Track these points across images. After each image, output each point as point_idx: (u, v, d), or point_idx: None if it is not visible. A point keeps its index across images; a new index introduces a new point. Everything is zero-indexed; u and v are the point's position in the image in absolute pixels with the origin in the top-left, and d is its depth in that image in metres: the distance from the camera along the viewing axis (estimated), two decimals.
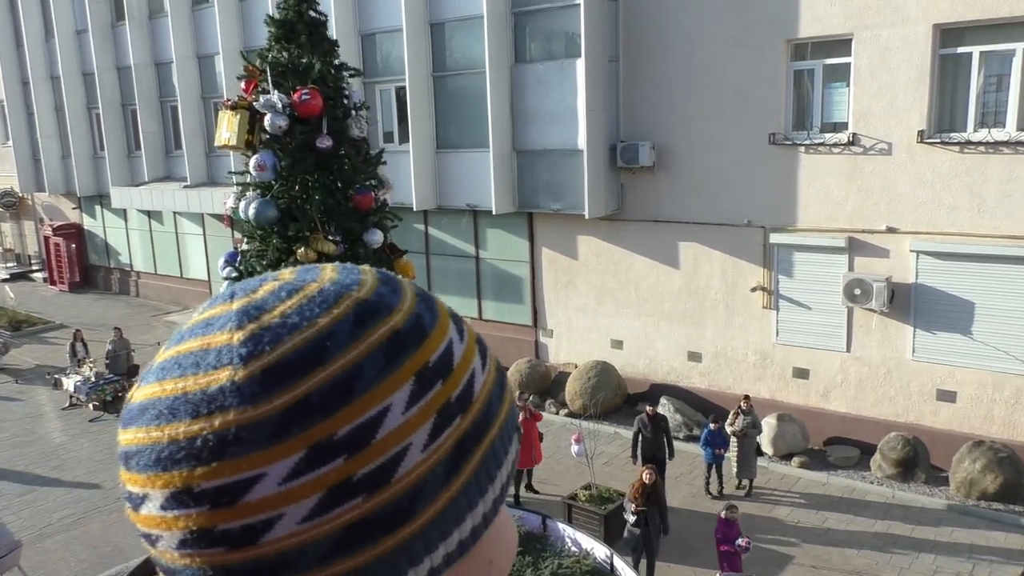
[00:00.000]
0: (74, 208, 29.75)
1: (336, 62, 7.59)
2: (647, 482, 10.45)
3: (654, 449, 12.33)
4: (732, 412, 12.89)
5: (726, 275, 14.74)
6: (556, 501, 12.32)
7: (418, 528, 0.60)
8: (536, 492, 13.00)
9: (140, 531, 0.61)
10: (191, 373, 0.59)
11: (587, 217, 15.11)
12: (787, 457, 13.64)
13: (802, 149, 13.68)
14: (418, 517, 0.59)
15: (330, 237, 7.16)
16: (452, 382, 0.62)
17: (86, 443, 15.82)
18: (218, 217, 22.39)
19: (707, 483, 12.89)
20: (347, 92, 7.54)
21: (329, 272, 0.65)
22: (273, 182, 7.31)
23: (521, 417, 11.83)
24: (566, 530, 10.23)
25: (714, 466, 12.73)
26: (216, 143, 7.47)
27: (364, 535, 0.58)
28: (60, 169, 28.88)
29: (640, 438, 12.38)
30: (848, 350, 13.80)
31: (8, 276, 31.40)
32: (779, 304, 14.31)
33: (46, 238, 30.06)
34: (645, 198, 15.37)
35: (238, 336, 0.59)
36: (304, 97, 7.00)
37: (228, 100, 7.21)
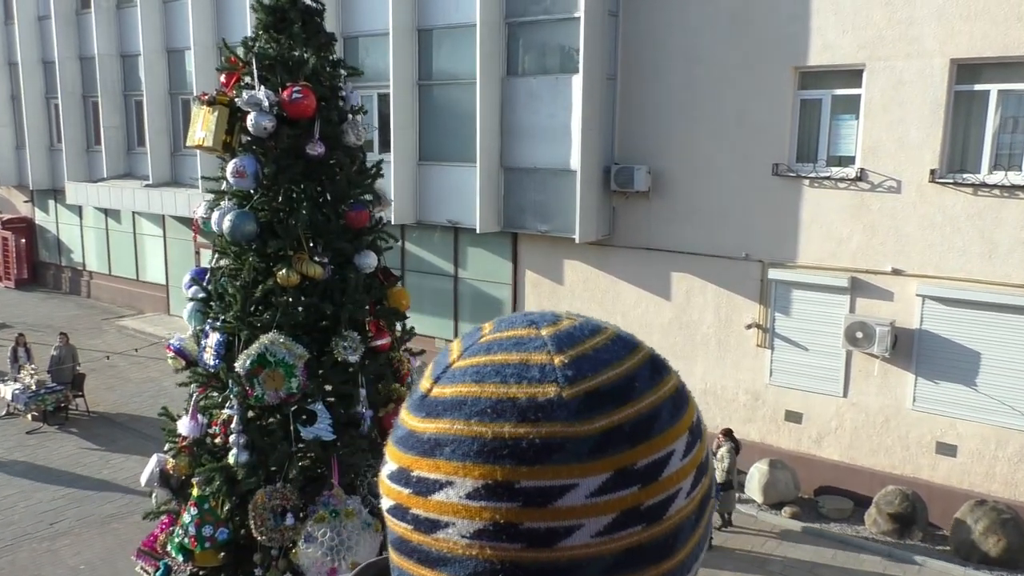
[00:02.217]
0: (26, 201, 28.35)
1: (332, 58, 6.67)
2: None
3: None
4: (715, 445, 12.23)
5: (720, 310, 14.02)
6: None
7: (673, 566, 0.63)
8: None
9: (421, 516, 0.62)
10: (515, 382, 0.61)
11: (577, 241, 14.29)
12: (778, 506, 12.90)
13: (806, 182, 13.04)
14: (675, 555, 0.63)
15: (316, 258, 6.20)
16: (703, 445, 0.67)
17: (21, 457, 14.55)
18: (185, 221, 21.25)
19: None
20: (343, 93, 6.61)
21: (610, 326, 0.69)
22: (253, 191, 6.34)
23: None
24: None
25: None
26: (188, 142, 6.50)
27: (637, 561, 0.61)
28: (13, 160, 27.57)
29: None
30: (845, 395, 13.13)
31: None
32: (774, 343, 13.61)
33: None
34: (638, 224, 14.61)
35: (559, 359, 0.62)
36: (295, 96, 6.05)
37: (205, 94, 6.26)
